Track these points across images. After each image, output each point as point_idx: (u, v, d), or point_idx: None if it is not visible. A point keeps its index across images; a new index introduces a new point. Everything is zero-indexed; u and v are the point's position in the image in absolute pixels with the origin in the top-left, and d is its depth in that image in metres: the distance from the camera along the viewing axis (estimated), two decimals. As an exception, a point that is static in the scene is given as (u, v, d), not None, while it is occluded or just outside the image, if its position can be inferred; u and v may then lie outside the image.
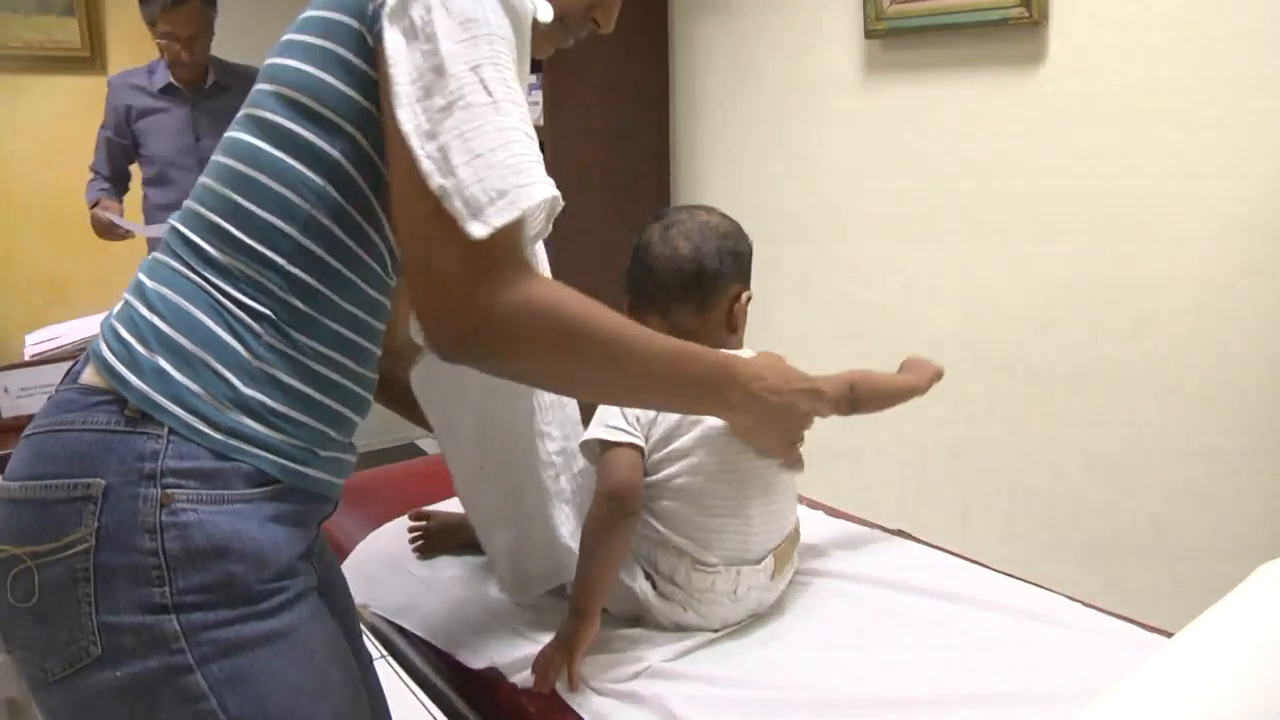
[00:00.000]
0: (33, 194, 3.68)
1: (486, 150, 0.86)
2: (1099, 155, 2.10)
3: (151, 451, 0.89)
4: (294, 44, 0.97)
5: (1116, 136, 2.07)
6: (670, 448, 1.26)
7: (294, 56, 0.96)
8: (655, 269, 1.31)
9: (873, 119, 2.57)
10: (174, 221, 0.99)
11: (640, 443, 1.26)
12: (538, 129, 2.91)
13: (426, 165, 0.86)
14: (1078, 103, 2.12)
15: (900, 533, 1.56)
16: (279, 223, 0.93)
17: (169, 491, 0.88)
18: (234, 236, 0.94)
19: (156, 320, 0.92)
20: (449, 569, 1.49)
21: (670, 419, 1.27)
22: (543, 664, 1.18)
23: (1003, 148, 2.28)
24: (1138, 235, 2.05)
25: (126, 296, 0.97)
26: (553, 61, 2.84)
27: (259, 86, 0.98)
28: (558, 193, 0.91)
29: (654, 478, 1.26)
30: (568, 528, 1.33)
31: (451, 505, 1.59)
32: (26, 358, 2.33)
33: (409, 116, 0.87)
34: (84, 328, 2.28)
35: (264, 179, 0.94)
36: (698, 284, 1.30)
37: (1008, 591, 1.36)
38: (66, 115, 3.69)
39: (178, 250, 0.96)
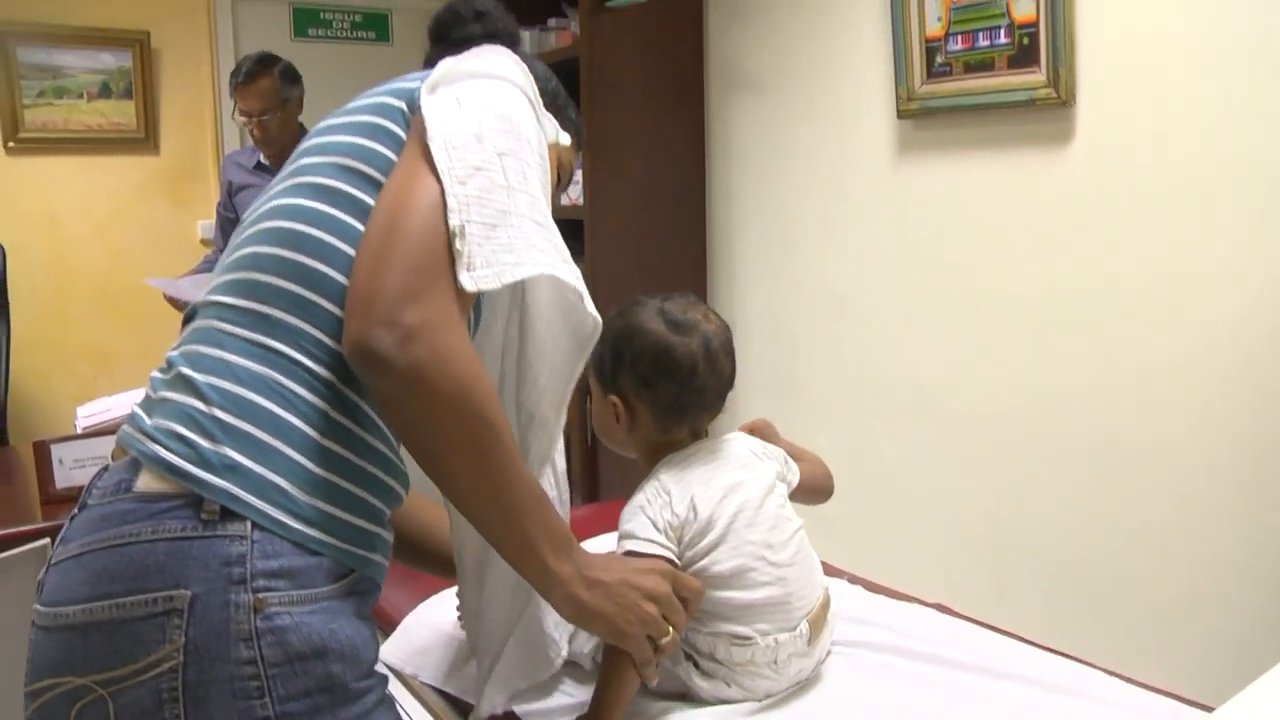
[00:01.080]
0: (85, 269, 3.79)
1: (489, 222, 0.93)
2: (1128, 233, 2.13)
3: (238, 555, 0.85)
4: (343, 124, 1.03)
5: (1145, 216, 2.09)
6: (704, 542, 1.25)
7: (344, 133, 1.02)
8: (705, 392, 1.31)
9: (905, 197, 2.61)
10: (218, 296, 0.97)
11: (672, 554, 1.23)
12: (576, 208, 3.00)
13: (453, 201, 0.92)
14: (1106, 182, 2.16)
15: (940, 606, 1.57)
16: (345, 280, 0.94)
17: (261, 596, 0.84)
18: (301, 297, 0.94)
19: (218, 412, 0.90)
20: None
21: (702, 517, 1.25)
22: None
23: (1033, 225, 2.31)
24: (1170, 312, 2.07)
25: (169, 395, 0.94)
26: (591, 141, 2.92)
27: (306, 160, 1.02)
28: (552, 270, 0.98)
29: (692, 569, 1.25)
30: (554, 618, 1.27)
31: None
32: (79, 430, 2.39)
33: (444, 157, 0.93)
34: (134, 400, 2.33)
35: (327, 237, 0.96)
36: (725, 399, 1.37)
37: (1047, 666, 1.36)
38: (120, 193, 3.83)
39: (225, 327, 0.94)
